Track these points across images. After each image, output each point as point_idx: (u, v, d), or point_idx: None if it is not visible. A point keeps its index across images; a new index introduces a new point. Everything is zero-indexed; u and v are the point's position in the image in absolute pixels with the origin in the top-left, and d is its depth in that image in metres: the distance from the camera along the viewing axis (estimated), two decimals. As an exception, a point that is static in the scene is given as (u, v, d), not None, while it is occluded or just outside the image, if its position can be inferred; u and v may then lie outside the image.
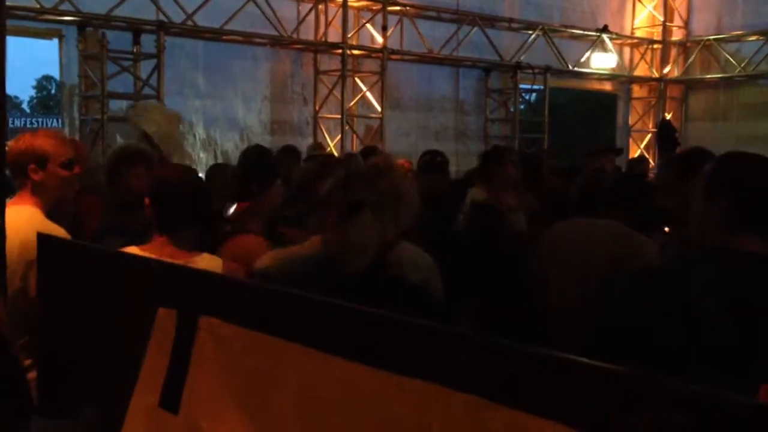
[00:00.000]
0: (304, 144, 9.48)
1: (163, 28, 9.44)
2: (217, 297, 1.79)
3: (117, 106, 9.48)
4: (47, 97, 41.81)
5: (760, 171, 2.31)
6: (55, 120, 31.06)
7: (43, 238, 2.42)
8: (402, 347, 1.34)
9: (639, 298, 2.30)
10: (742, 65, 14.08)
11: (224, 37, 10.18)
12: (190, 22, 9.74)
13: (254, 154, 3.85)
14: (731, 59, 14.30)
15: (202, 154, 10.06)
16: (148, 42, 9.45)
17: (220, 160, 10.18)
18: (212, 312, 1.76)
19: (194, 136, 10.28)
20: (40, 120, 35.53)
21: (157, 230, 2.59)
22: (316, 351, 1.50)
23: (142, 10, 9.40)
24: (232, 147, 10.29)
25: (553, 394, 1.11)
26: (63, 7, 9.05)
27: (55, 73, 9.58)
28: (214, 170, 5.37)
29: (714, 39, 14.53)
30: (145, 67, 9.51)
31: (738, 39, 14.31)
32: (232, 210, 3.45)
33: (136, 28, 9.45)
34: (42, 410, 2.09)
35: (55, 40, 9.81)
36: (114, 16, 9.24)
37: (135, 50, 9.54)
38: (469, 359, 1.21)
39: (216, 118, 10.42)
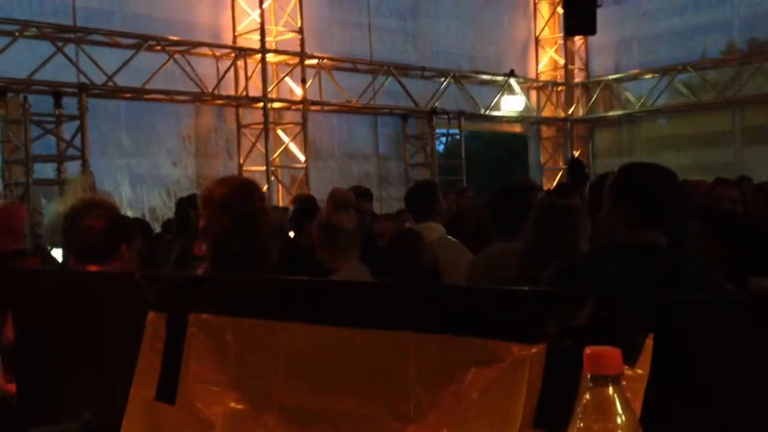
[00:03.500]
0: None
1: (84, 89, 9.56)
2: (202, 294, 2.02)
3: (41, 169, 9.52)
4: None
5: (658, 178, 2.74)
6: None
7: (19, 270, 2.60)
8: (375, 305, 1.61)
9: (562, 286, 2.66)
10: (641, 102, 15.00)
11: (146, 96, 10.36)
12: (111, 83, 9.90)
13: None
14: (630, 97, 15.22)
15: (129, 212, 10.11)
16: (70, 104, 9.55)
17: (147, 218, 10.26)
18: (199, 309, 1.99)
19: (120, 195, 10.34)
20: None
21: None
22: (299, 323, 1.76)
23: (63, 73, 9.52)
24: (159, 203, 10.40)
25: (509, 320, 1.40)
26: (-18, 73, 9.12)
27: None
28: None
29: (613, 79, 15.45)
30: (69, 129, 9.59)
31: (635, 77, 15.25)
32: None
33: (57, 91, 9.55)
34: (33, 419, 2.25)
35: (-26, 107, 9.80)
36: (35, 80, 9.33)
37: (57, 113, 9.61)
38: (436, 304, 1.49)
39: (142, 176, 10.53)
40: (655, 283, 2.39)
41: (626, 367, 1.19)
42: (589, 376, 1.04)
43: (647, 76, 14.99)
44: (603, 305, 1.26)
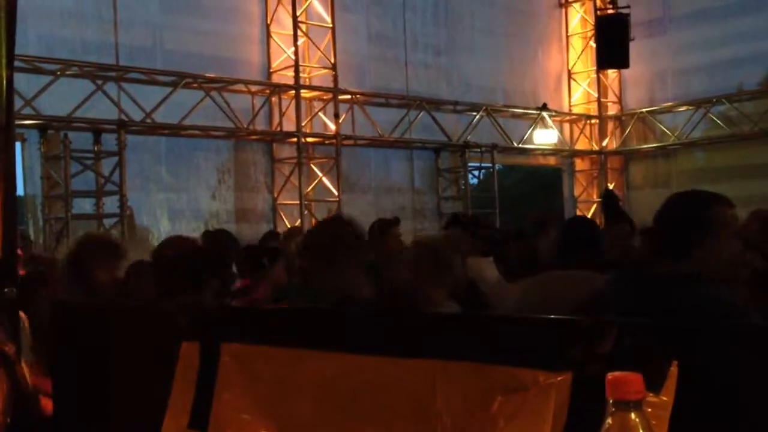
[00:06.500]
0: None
1: (123, 126, 9.76)
2: (234, 324, 2.06)
3: (79, 205, 9.69)
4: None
5: (679, 206, 2.75)
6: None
7: (58, 302, 2.66)
8: (403, 333, 1.63)
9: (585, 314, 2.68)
10: (676, 134, 14.90)
11: (182, 132, 10.55)
12: (149, 120, 10.10)
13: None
14: (665, 129, 15.13)
15: (166, 246, 10.24)
16: (109, 140, 9.75)
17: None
18: (231, 338, 2.02)
19: (159, 229, 10.48)
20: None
21: None
22: (327, 352, 1.78)
23: (103, 110, 9.73)
24: (198, 237, 10.49)
25: (535, 349, 1.41)
26: (24, 111, 9.34)
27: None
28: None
29: (647, 111, 15.38)
30: (108, 165, 9.78)
31: (670, 110, 15.17)
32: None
33: (96, 128, 9.75)
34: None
35: (17, 144, 10.05)
36: (75, 118, 9.55)
37: (96, 149, 9.81)
38: (464, 332, 1.51)
39: (181, 210, 10.67)
40: (677, 309, 2.39)
41: (651, 394, 1.20)
42: (611, 401, 1.05)
43: (682, 109, 14.91)
44: (627, 333, 1.27)
